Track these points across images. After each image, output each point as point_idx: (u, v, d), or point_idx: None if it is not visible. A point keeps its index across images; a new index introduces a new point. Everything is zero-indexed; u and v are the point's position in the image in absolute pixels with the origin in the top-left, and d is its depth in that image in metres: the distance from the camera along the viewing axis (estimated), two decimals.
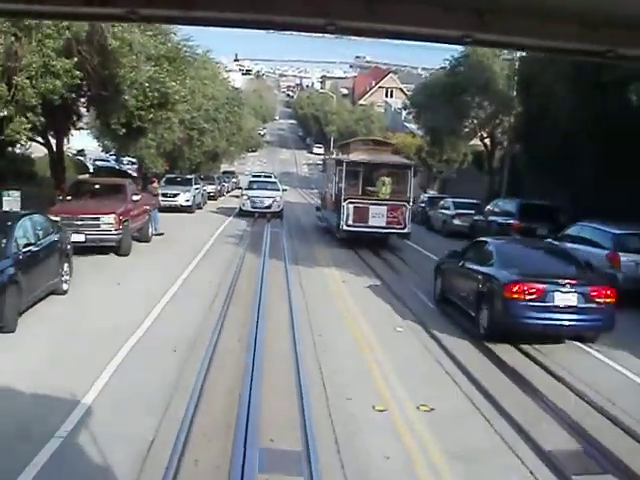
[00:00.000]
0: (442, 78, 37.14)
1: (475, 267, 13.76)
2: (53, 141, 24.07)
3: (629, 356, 11.92)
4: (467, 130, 37.12)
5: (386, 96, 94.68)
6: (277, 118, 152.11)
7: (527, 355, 11.93)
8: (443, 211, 32.09)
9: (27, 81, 13.12)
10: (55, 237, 14.59)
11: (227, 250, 22.60)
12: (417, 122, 43.88)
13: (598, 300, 12.04)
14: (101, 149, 42.40)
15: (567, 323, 11.99)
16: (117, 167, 46.41)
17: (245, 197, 35.92)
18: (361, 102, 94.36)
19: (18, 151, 26.38)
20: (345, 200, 25.36)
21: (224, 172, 59.21)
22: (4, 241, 12.15)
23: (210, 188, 44.11)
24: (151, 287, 15.55)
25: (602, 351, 12.24)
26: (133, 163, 44.64)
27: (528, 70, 25.32)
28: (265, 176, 47.86)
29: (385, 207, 25.39)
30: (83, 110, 23.09)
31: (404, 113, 52.15)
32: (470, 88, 32.47)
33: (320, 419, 8.28)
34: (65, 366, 9.72)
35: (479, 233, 22.17)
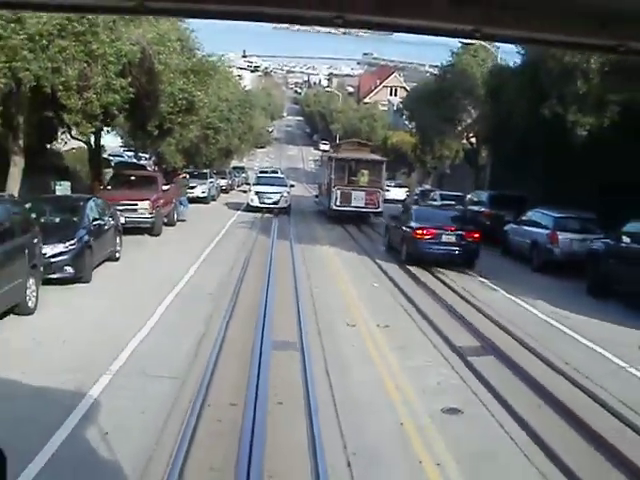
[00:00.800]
0: (431, 84, 41.68)
1: (402, 224, 22.31)
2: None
3: (521, 292, 17.10)
4: (456, 130, 41.43)
5: (390, 94, 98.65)
6: (285, 115, 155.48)
7: (436, 278, 19.08)
8: (432, 202, 36.49)
9: (94, 96, 17.49)
10: (110, 216, 18.99)
11: (242, 232, 27.03)
12: (410, 123, 48.42)
13: (468, 239, 20.57)
14: (121, 145, 46.63)
15: (450, 252, 20.51)
16: (136, 162, 50.68)
17: (253, 192, 37.17)
18: (366, 100, 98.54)
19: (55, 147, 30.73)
20: (334, 187, 33.39)
21: (234, 167, 63.50)
22: (80, 216, 16.53)
23: (223, 182, 48.57)
24: (183, 257, 19.84)
25: (503, 288, 17.90)
26: (147, 159, 48.86)
27: (495, 81, 29.60)
28: (272, 172, 51.15)
29: (364, 192, 33.72)
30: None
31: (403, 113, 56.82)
32: (455, 93, 36.86)
33: (310, 331, 12.59)
34: (130, 304, 14.01)
35: None
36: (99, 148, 28.19)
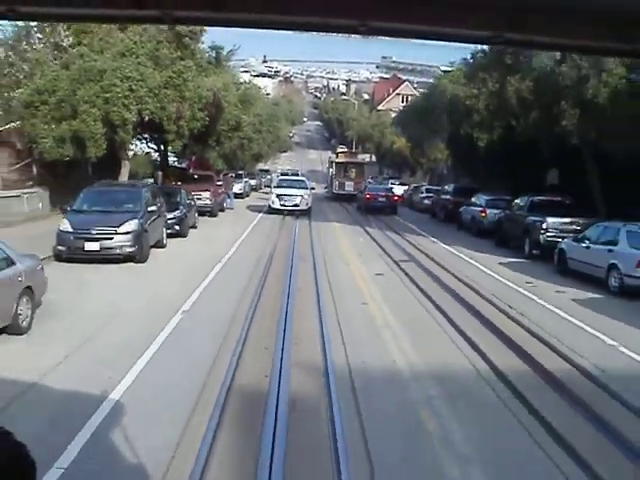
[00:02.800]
0: (419, 102, 52.93)
1: (361, 194, 44.24)
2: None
3: (454, 244, 27.58)
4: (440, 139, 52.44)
5: (402, 102, 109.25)
6: (305, 120, 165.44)
7: (404, 239, 28.62)
8: (420, 195, 47.54)
9: (184, 124, 28.68)
10: (191, 200, 30.00)
11: (273, 217, 37.93)
12: (403, 133, 59.83)
13: (392, 200, 43.18)
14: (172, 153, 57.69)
15: (382, 205, 42.39)
16: (178, 165, 62.00)
17: (274, 195, 39.87)
18: (380, 107, 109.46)
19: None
20: (335, 179, 52.85)
21: (261, 170, 75.13)
22: (179, 198, 27.53)
23: (253, 182, 60.02)
24: (237, 229, 30.70)
25: (443, 242, 28.51)
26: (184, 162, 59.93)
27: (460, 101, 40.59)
28: (293, 174, 59.93)
29: (352, 182, 52.23)
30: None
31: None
32: (436, 110, 47.55)
33: (317, 251, 23.48)
34: (212, 248, 24.91)
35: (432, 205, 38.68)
36: (167, 155, 39.31)
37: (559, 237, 22.87)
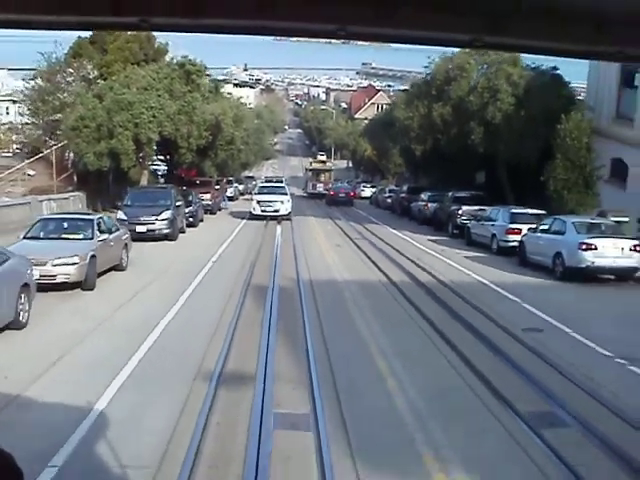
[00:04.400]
0: (381, 116, 63.01)
1: (327, 192, 57.50)
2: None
3: (401, 229, 36.97)
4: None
5: (377, 111, 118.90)
6: (287, 128, 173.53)
7: (362, 225, 37.50)
8: (384, 194, 57.33)
9: (193, 141, 38.26)
10: (199, 199, 39.39)
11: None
12: (371, 143, 69.97)
13: (349, 195, 59.93)
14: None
15: (342, 200, 57.31)
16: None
17: (255, 201, 42.01)
18: (357, 116, 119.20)
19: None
20: (308, 182, 66.74)
21: (246, 177, 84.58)
22: (192, 197, 36.89)
23: (241, 187, 69.55)
24: (234, 221, 40.11)
25: (393, 228, 37.79)
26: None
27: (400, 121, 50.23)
28: (277, 180, 64.24)
29: (322, 184, 64.94)
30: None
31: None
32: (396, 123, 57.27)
33: (299, 251, 32.97)
34: (218, 234, 34.33)
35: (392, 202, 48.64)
36: (173, 166, 48.64)
37: (470, 219, 32.42)
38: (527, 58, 36.62)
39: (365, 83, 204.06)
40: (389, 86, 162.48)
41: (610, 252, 21.01)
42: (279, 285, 19.21)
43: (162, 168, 57.39)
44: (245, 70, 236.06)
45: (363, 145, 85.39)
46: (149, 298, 17.33)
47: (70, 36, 48.44)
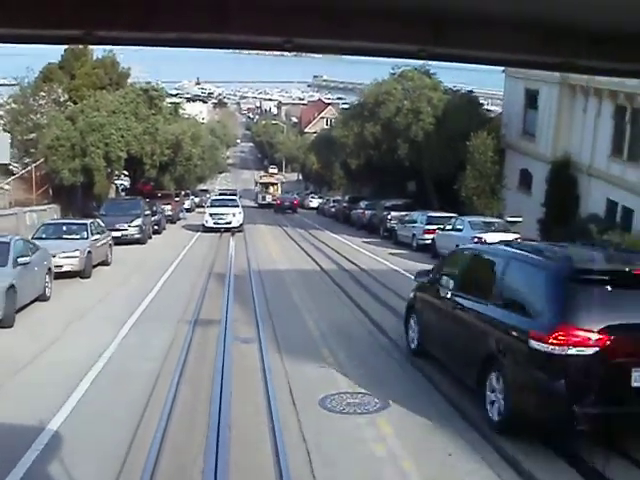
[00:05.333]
0: (325, 133, 69.44)
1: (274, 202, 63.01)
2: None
3: (340, 233, 42.92)
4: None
5: (326, 125, 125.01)
6: (239, 141, 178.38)
7: (306, 231, 43.40)
8: (329, 204, 63.33)
9: (156, 158, 43.82)
10: (160, 209, 44.87)
11: None
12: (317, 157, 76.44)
13: (293, 203, 68.89)
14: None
15: (287, 208, 66.41)
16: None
17: (207, 214, 43.45)
18: (306, 130, 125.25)
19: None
20: (259, 194, 73.89)
21: (201, 190, 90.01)
22: (156, 208, 42.38)
23: (197, 199, 75.01)
24: (192, 229, 45.62)
25: (332, 232, 43.62)
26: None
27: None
28: (231, 193, 70.28)
29: (271, 195, 73.16)
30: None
31: None
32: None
33: (250, 250, 38.65)
34: (179, 240, 39.89)
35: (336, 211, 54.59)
36: (138, 180, 53.96)
37: (397, 223, 38.38)
38: (448, 82, 43.07)
39: (317, 96, 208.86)
40: (339, 98, 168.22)
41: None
42: (234, 273, 24.89)
43: (121, 183, 62.79)
44: (197, 84, 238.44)
45: (311, 159, 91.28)
46: (135, 282, 22.85)
47: (40, 61, 53.57)
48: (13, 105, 49.28)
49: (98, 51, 54.48)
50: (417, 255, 31.71)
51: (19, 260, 16.89)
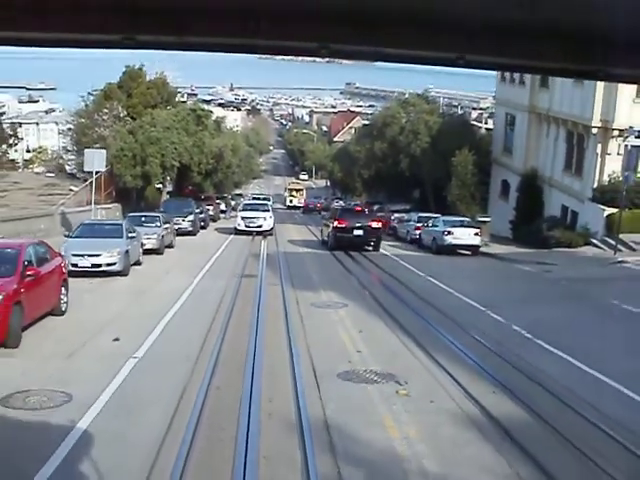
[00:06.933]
0: (345, 147, 79.93)
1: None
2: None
3: None
4: None
5: (354, 134, 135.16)
6: (271, 148, 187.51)
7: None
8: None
9: (202, 167, 54.10)
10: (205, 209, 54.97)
11: None
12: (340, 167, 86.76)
13: (317, 206, 77.64)
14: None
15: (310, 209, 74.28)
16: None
17: (239, 217, 46.34)
18: (335, 139, 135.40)
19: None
20: (287, 198, 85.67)
21: (236, 194, 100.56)
22: (200, 209, 52.44)
23: (232, 203, 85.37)
24: (229, 227, 55.56)
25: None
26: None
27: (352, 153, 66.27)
28: (264, 198, 71.94)
29: (296, 199, 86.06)
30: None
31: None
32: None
33: (279, 241, 48.53)
34: (224, 234, 49.88)
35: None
36: (183, 184, 64.11)
37: (397, 223, 48.05)
38: (445, 105, 53.10)
39: (349, 103, 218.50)
40: (371, 106, 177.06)
41: (462, 236, 36.58)
42: (266, 253, 34.77)
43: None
44: (231, 90, 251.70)
45: (336, 167, 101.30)
46: (196, 257, 32.60)
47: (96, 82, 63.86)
48: (81, 120, 59.76)
49: (150, 73, 64.65)
50: (409, 246, 41.36)
51: (129, 235, 26.87)
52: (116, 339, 15.37)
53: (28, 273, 15.61)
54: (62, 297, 18.12)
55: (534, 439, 9.96)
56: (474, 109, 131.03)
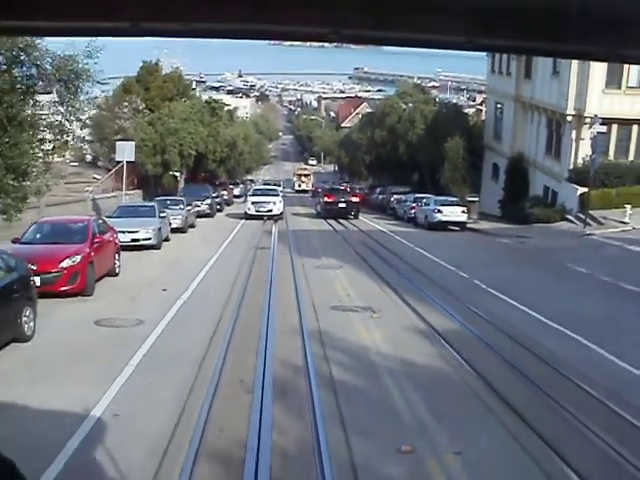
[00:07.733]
0: (348, 134, 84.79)
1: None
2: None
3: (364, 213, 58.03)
4: None
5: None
6: (280, 134, 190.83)
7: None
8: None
9: (217, 155, 59.11)
10: (220, 194, 60.04)
11: None
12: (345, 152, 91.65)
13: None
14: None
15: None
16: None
17: (250, 202, 48.64)
18: (343, 125, 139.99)
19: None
20: (295, 182, 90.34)
21: (248, 180, 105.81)
22: (217, 193, 57.51)
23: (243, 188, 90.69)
24: (242, 210, 60.68)
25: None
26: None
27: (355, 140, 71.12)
28: (274, 183, 72.46)
29: (304, 183, 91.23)
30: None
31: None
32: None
33: (289, 224, 53.63)
34: (234, 219, 55.02)
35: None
36: (198, 171, 69.18)
37: (396, 204, 53.01)
38: (440, 96, 58.24)
39: (357, 88, 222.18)
40: (380, 90, 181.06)
41: (451, 213, 41.57)
42: (278, 231, 39.83)
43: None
44: (240, 76, 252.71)
45: (342, 153, 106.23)
46: (216, 235, 37.62)
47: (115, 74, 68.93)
48: (102, 113, 64.80)
49: (166, 67, 69.63)
50: (405, 224, 46.39)
51: (160, 215, 31.98)
52: (164, 289, 20.48)
53: (96, 240, 20.79)
54: (116, 262, 23.26)
55: (462, 342, 14.84)
56: (480, 92, 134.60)
